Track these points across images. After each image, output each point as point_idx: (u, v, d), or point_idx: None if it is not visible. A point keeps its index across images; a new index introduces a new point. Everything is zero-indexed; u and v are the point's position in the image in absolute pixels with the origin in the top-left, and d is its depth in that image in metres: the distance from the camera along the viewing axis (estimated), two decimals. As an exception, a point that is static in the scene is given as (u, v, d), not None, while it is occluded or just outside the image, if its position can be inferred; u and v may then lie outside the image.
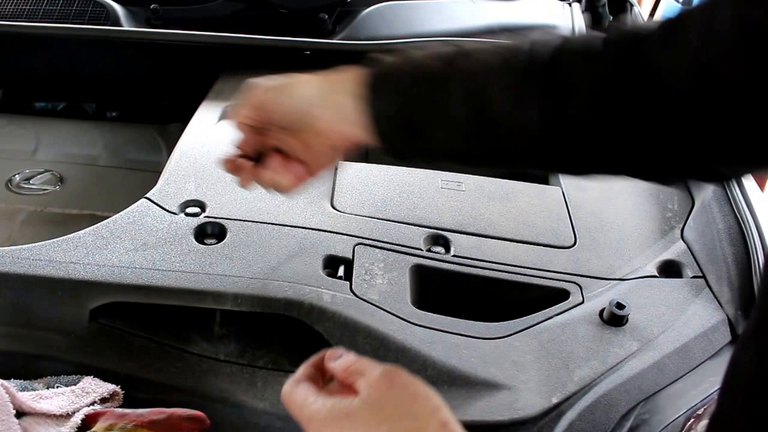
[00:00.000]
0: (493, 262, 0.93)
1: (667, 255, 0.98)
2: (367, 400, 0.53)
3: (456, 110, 0.61)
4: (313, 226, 0.96)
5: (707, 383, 0.79)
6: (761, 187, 1.14)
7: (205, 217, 0.96)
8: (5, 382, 0.74)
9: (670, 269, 0.96)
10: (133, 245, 0.90)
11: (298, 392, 0.56)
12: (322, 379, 0.59)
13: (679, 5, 3.49)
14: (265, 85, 0.69)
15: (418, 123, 0.63)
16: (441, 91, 0.61)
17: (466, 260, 0.93)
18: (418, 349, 0.80)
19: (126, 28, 1.54)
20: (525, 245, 0.98)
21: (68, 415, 0.74)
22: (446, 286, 0.92)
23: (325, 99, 0.66)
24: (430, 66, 0.63)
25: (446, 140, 0.63)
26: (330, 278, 0.87)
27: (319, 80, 0.68)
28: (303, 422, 0.56)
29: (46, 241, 0.89)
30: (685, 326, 0.85)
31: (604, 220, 1.05)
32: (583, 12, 1.84)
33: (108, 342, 0.83)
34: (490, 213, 1.04)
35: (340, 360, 0.59)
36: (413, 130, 0.63)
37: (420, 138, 0.63)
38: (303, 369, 0.60)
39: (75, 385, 0.77)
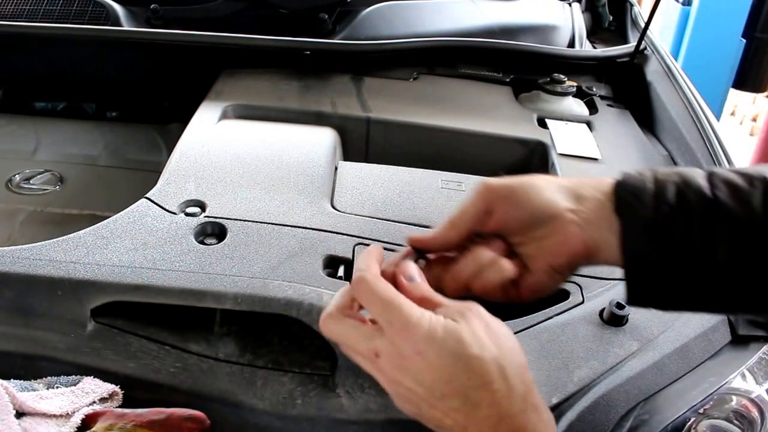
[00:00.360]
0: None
1: (667, 255, 0.98)
2: (466, 328, 0.52)
3: (722, 249, 0.54)
4: (313, 226, 0.96)
5: (707, 383, 0.79)
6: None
7: (205, 217, 0.96)
8: (5, 382, 0.74)
9: (670, 269, 0.96)
10: (133, 245, 0.90)
11: (398, 297, 0.53)
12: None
13: (680, 5, 3.49)
14: (497, 185, 0.60)
15: (679, 242, 0.54)
16: (707, 218, 0.54)
17: (466, 260, 0.93)
18: (418, 349, 0.80)
19: (126, 28, 1.54)
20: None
21: (68, 415, 0.74)
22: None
23: (577, 203, 0.58)
24: (694, 182, 0.55)
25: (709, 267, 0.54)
26: (330, 278, 0.87)
27: (566, 182, 0.60)
28: (395, 331, 0.52)
29: (46, 241, 0.89)
30: (685, 326, 0.85)
31: (604, 220, 1.05)
32: (583, 12, 1.84)
33: (108, 342, 0.83)
34: (490, 213, 1.03)
35: (416, 285, 0.56)
36: (674, 245, 0.55)
37: (678, 256, 0.54)
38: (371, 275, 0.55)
39: (75, 385, 0.77)
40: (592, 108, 1.43)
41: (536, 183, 0.60)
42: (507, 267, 0.61)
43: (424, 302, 0.55)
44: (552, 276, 0.61)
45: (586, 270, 0.93)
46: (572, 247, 0.58)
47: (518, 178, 0.60)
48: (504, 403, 0.50)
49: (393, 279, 0.58)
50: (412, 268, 0.58)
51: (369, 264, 0.57)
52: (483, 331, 0.52)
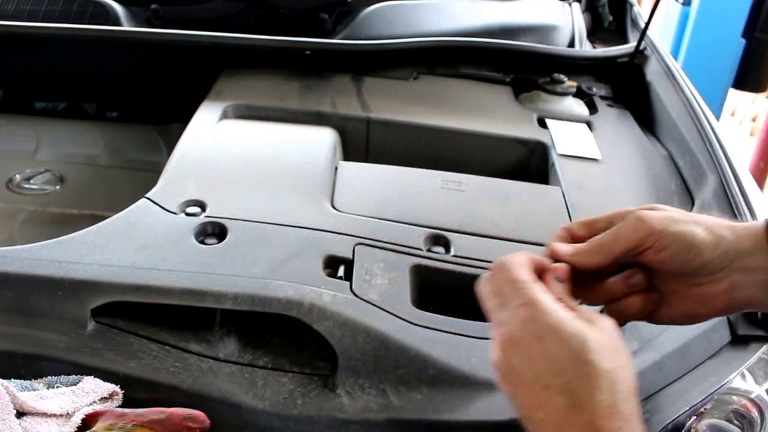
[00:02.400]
0: (493, 262, 0.93)
1: (667, 255, 0.98)
2: (593, 334, 0.53)
3: None
4: (313, 226, 0.96)
5: (707, 383, 0.79)
6: (760, 186, 1.14)
7: (206, 216, 0.96)
8: (5, 382, 0.74)
9: (670, 269, 0.96)
10: (133, 245, 0.90)
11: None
12: None
13: (680, 5, 3.49)
14: (661, 228, 0.59)
15: None
16: None
17: (466, 260, 0.93)
18: (418, 348, 0.80)
19: (126, 28, 1.54)
20: (525, 245, 0.98)
21: (68, 415, 0.74)
22: (446, 286, 0.92)
23: (743, 258, 0.58)
24: None
25: None
26: (330, 278, 0.87)
27: (726, 233, 0.59)
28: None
29: (46, 241, 0.89)
30: (684, 326, 0.85)
31: (604, 220, 1.05)
32: (583, 12, 1.84)
33: (108, 342, 0.83)
34: (490, 213, 1.04)
35: (560, 285, 0.59)
36: None
37: None
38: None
39: (75, 385, 0.77)
40: (592, 108, 1.43)
41: (701, 237, 0.58)
42: (635, 306, 0.63)
43: (560, 302, 0.56)
44: (690, 319, 0.63)
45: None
46: (724, 305, 0.60)
47: (683, 223, 0.59)
48: (604, 416, 0.50)
49: (540, 275, 0.60)
50: (563, 272, 0.60)
51: (515, 257, 0.60)
52: (607, 343, 0.53)
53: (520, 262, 0.59)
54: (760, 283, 0.58)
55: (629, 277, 0.63)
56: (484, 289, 0.60)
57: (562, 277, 0.59)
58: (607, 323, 0.55)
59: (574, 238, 0.64)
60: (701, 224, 0.60)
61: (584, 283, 0.63)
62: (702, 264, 0.59)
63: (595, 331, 0.53)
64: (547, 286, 0.58)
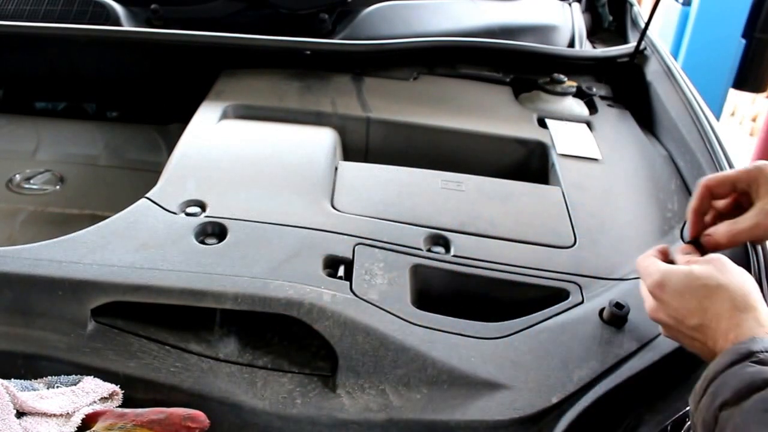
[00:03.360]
0: (493, 262, 0.93)
1: (667, 255, 0.98)
2: (699, 267, 0.71)
3: None
4: (313, 226, 0.96)
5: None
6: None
7: (206, 216, 0.96)
8: (6, 382, 0.74)
9: (669, 269, 0.96)
10: (133, 245, 0.90)
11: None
12: None
13: (680, 5, 3.49)
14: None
15: None
16: None
17: (466, 260, 0.93)
18: (418, 348, 0.80)
19: (126, 28, 1.54)
20: (525, 245, 0.98)
21: (68, 415, 0.74)
22: (446, 286, 0.92)
23: None
24: None
25: None
26: (330, 278, 0.87)
27: None
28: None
29: (47, 241, 0.89)
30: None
31: (604, 220, 1.05)
32: (583, 12, 1.84)
33: (108, 342, 0.83)
34: (490, 213, 1.04)
35: (680, 257, 0.76)
36: None
37: None
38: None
39: (75, 385, 0.77)
40: (592, 108, 1.43)
41: None
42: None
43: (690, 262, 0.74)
44: None
45: (586, 270, 0.94)
46: None
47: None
48: (724, 318, 0.65)
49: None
50: (682, 248, 0.79)
51: (647, 253, 0.78)
52: (714, 269, 0.69)
53: (647, 254, 0.78)
54: None
55: None
56: (642, 286, 0.77)
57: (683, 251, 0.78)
58: (715, 257, 0.71)
59: (713, 196, 0.80)
60: None
61: None
62: None
63: (702, 267, 0.70)
64: (675, 257, 0.77)
